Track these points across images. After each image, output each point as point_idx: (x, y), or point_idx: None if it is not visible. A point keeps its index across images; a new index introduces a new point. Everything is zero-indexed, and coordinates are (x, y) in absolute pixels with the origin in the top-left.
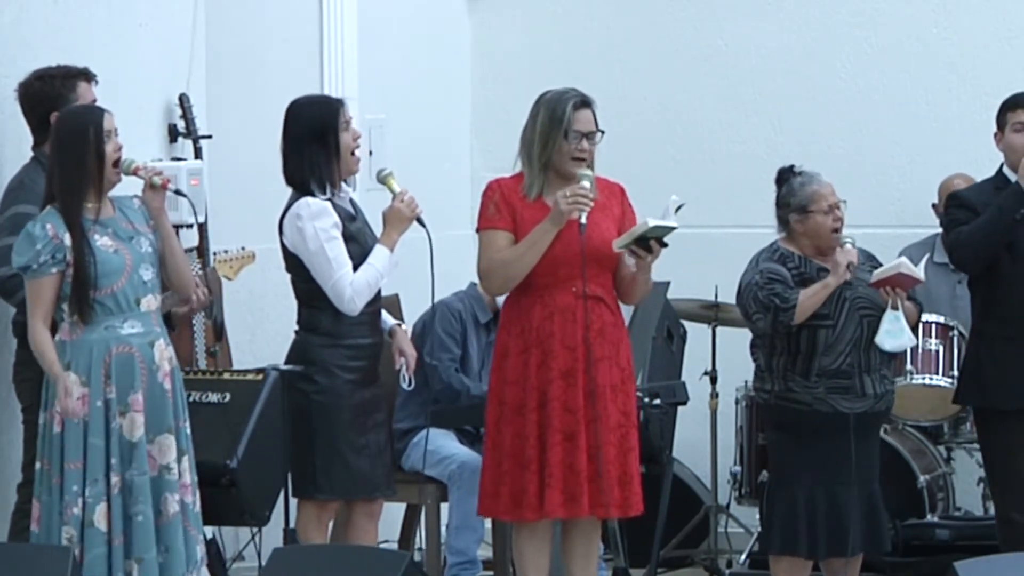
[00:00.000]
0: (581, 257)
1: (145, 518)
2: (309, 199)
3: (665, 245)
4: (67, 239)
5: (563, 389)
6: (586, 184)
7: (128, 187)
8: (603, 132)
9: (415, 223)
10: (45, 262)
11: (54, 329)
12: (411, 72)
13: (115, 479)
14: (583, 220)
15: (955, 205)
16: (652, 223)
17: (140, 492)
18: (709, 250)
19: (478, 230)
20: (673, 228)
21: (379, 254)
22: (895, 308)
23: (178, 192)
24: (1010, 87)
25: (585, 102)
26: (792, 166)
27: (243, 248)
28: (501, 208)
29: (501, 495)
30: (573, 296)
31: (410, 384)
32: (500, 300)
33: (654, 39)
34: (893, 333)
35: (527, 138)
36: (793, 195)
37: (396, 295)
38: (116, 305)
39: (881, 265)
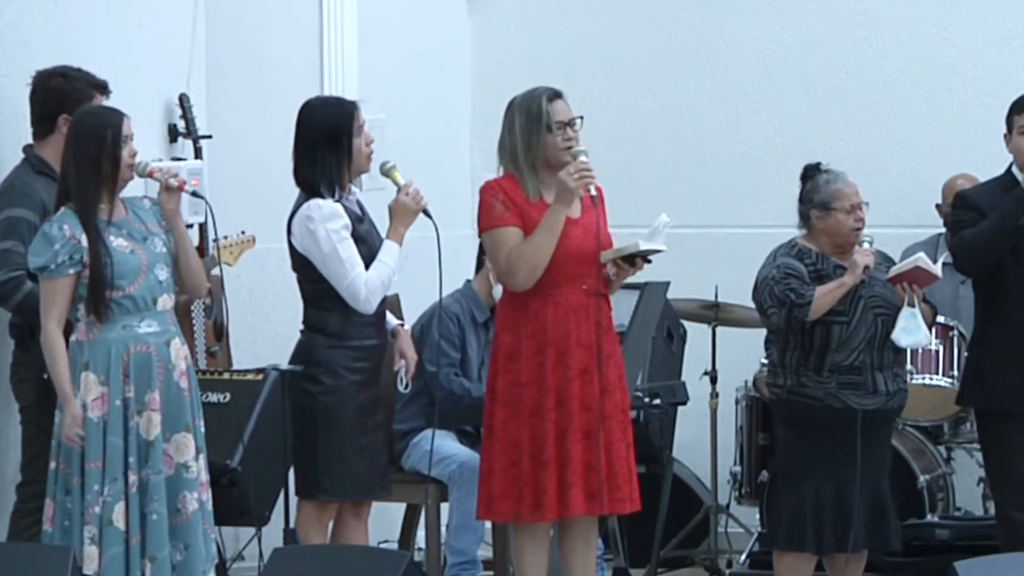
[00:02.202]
0: (596, 231)
1: (159, 517)
2: (319, 201)
3: (649, 262)
4: (84, 240)
5: (581, 387)
6: (584, 159)
7: (136, 188)
8: (582, 117)
9: (422, 215)
10: (63, 263)
11: (68, 330)
12: (411, 72)
13: (132, 478)
14: (593, 192)
15: (961, 205)
16: (644, 246)
17: (156, 491)
18: (709, 250)
19: (486, 229)
20: (661, 251)
21: (389, 250)
22: (911, 305)
23: (195, 194)
24: (1010, 87)
25: (556, 94)
26: (819, 163)
27: (243, 232)
28: (508, 206)
29: (524, 497)
30: (584, 294)
31: (407, 387)
32: (497, 294)
33: (654, 39)
34: (909, 330)
35: (507, 145)
36: (817, 191)
37: (396, 295)
38: (134, 305)
39: (895, 264)
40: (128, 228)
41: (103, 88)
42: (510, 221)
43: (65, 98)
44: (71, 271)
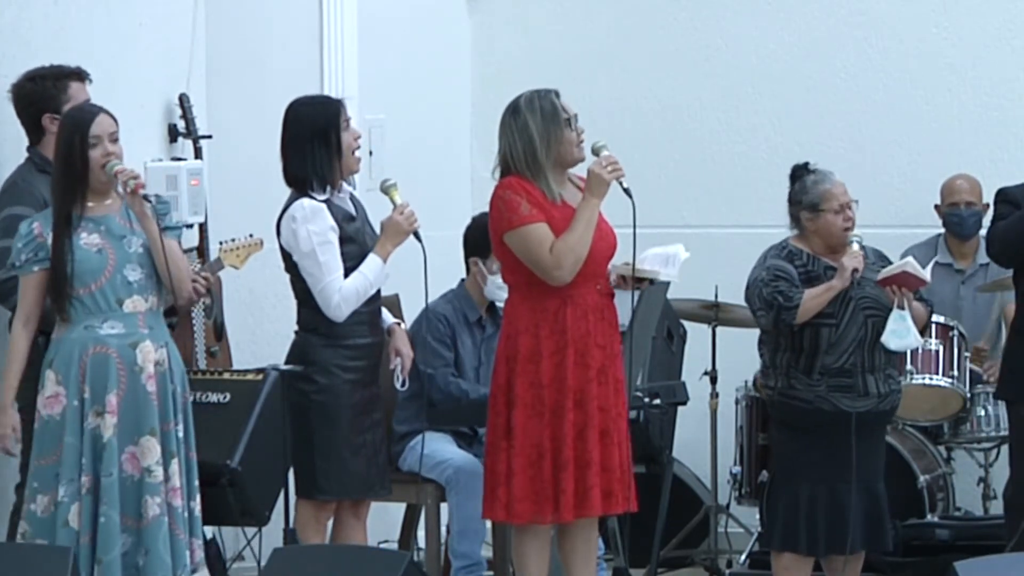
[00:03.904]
0: (609, 232)
1: (108, 520)
2: (304, 201)
3: (653, 283)
4: (50, 238)
5: (598, 387)
6: (607, 152)
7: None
8: (576, 115)
9: (411, 237)
10: (27, 260)
11: (51, 328)
12: (411, 72)
13: (85, 479)
14: (626, 185)
15: (1001, 200)
16: (664, 278)
17: (106, 493)
18: (709, 250)
19: (514, 227)
20: (671, 281)
21: (371, 264)
22: (901, 308)
23: (145, 197)
24: (1010, 87)
25: (557, 92)
26: (806, 163)
27: (251, 236)
28: (532, 204)
29: (547, 498)
30: (598, 294)
31: (404, 385)
32: (495, 292)
33: (654, 39)
34: (899, 333)
35: (520, 148)
36: (805, 193)
37: (396, 295)
38: (95, 305)
39: (891, 263)
40: (108, 224)
41: (78, 75)
42: (540, 217)
43: (39, 99)
44: (36, 268)
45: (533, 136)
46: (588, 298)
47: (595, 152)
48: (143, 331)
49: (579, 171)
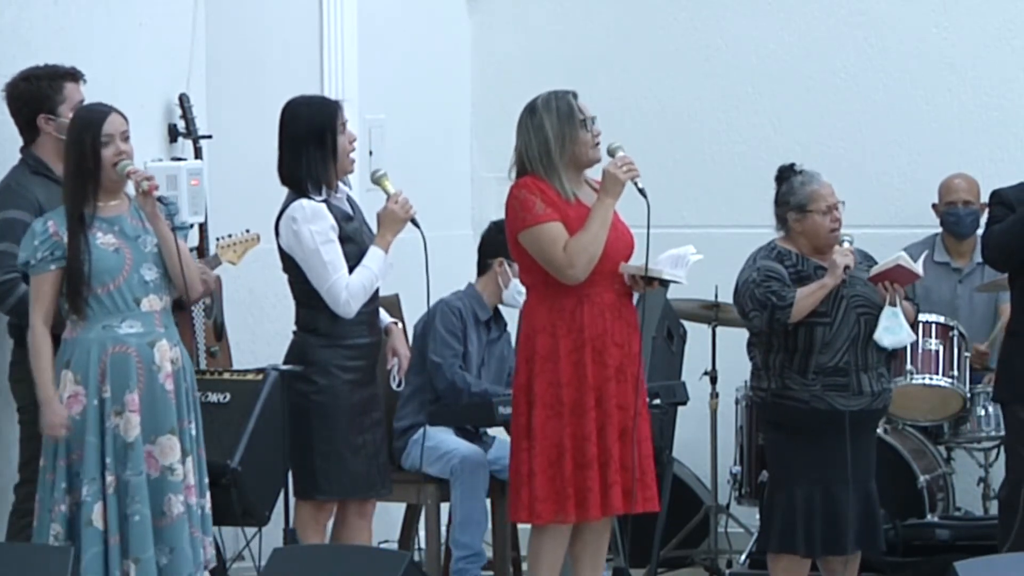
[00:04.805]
0: (626, 232)
1: (142, 518)
2: (304, 201)
3: (664, 285)
4: (66, 237)
5: (616, 386)
6: (622, 153)
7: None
8: (595, 117)
9: (409, 224)
10: (43, 259)
11: (59, 329)
12: (411, 72)
13: (110, 478)
14: (640, 185)
15: (996, 202)
16: (667, 276)
17: (137, 492)
18: (709, 250)
19: (529, 226)
20: (680, 282)
21: (374, 256)
22: (893, 305)
23: (160, 199)
24: (1010, 87)
25: (575, 93)
26: (792, 164)
27: (247, 231)
28: (547, 204)
29: (569, 497)
30: (616, 293)
31: (399, 385)
32: (514, 296)
33: (654, 39)
34: (892, 330)
35: (536, 148)
36: (792, 194)
37: (396, 295)
38: (114, 304)
39: (877, 264)
40: (122, 224)
41: (73, 75)
42: (554, 217)
43: (33, 99)
44: (52, 267)
45: (548, 136)
46: (605, 297)
47: (611, 153)
48: (159, 330)
49: (595, 173)
